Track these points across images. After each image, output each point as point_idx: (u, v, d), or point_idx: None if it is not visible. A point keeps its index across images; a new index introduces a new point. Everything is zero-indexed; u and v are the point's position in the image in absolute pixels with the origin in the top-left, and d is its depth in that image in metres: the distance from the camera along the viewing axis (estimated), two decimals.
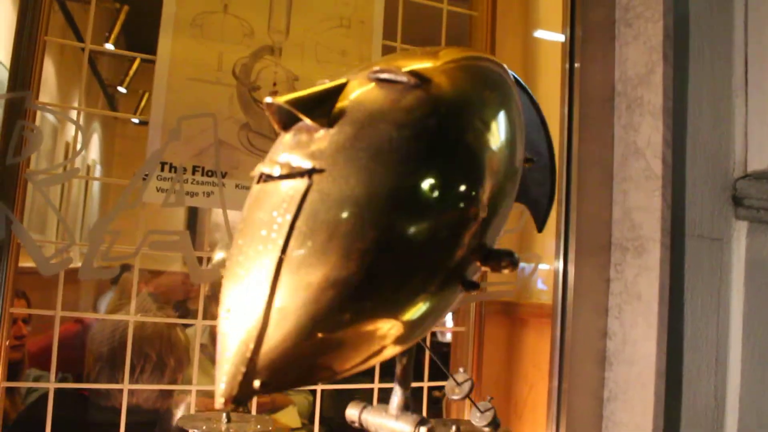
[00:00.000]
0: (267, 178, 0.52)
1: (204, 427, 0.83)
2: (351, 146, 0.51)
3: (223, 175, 1.28)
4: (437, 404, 1.58)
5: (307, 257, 0.48)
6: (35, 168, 1.20)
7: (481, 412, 0.77)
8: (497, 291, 1.50)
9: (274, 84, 1.35)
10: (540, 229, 0.79)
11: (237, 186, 1.29)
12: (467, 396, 0.79)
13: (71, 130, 1.25)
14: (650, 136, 1.20)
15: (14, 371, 1.66)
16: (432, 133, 0.53)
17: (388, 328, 0.51)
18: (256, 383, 0.47)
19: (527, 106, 0.73)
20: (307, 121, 0.52)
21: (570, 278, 1.30)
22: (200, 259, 1.20)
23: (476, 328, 1.51)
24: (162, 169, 1.23)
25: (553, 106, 1.36)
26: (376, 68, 0.56)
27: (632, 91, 1.26)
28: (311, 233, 0.48)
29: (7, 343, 1.13)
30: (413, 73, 0.55)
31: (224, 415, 0.88)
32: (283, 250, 0.48)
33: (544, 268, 1.44)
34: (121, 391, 1.21)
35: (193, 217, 2.47)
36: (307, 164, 0.50)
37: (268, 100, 0.52)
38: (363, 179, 0.49)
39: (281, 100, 0.51)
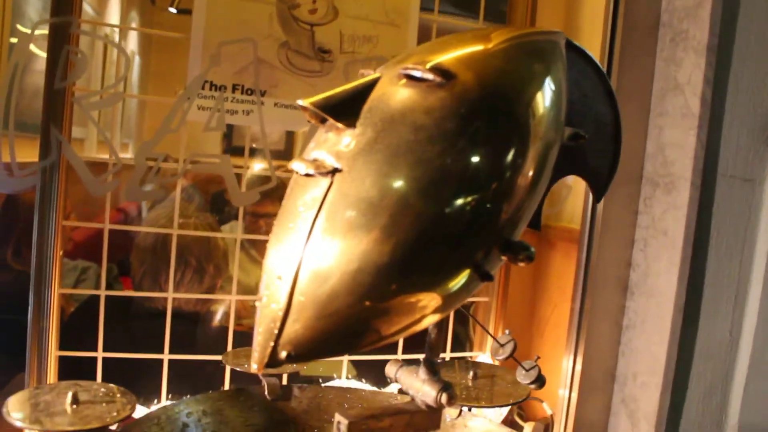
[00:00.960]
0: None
1: (246, 365, 0.90)
2: (370, 148, 0.54)
3: (263, 94, 1.30)
4: None
5: (324, 254, 0.53)
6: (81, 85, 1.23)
7: (526, 370, 0.83)
8: None
9: (314, 1, 1.34)
10: (598, 200, 0.80)
11: (276, 104, 1.31)
12: (511, 356, 0.84)
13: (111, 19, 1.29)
14: (691, 74, 1.19)
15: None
16: (449, 136, 0.55)
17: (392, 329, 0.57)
18: (282, 354, 0.55)
19: (592, 77, 0.73)
20: (336, 123, 0.55)
21: (599, 206, 1.32)
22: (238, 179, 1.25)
23: None
24: (203, 88, 1.25)
25: (596, 32, 1.34)
26: (409, 64, 0.57)
27: (678, 23, 1.23)
28: (330, 230, 0.53)
29: (61, 253, 1.21)
30: (440, 71, 0.56)
31: None
32: (305, 244, 0.53)
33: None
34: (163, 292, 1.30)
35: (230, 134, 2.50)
36: (332, 163, 0.54)
37: (300, 102, 0.54)
38: (377, 181, 0.53)
39: (310, 101, 0.54)
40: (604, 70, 1.30)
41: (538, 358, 0.86)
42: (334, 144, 0.55)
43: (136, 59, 3.07)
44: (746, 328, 1.25)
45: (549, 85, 0.62)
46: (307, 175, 0.55)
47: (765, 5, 1.21)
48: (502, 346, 0.83)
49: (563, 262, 1.52)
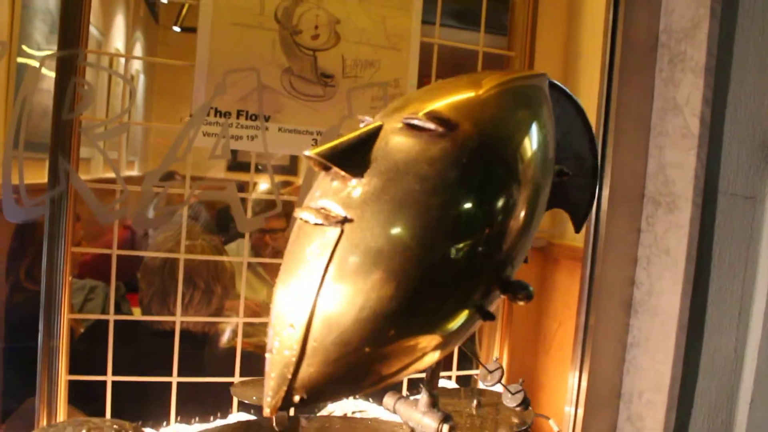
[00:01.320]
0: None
1: (254, 398, 0.91)
2: (377, 198, 0.56)
3: (267, 119, 1.31)
4: None
5: (336, 301, 0.55)
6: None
7: (512, 393, 0.84)
8: None
9: (316, 27, 1.36)
10: (578, 230, 0.82)
11: (280, 129, 1.33)
12: (498, 382, 0.85)
13: (116, 40, 1.31)
14: (690, 94, 1.20)
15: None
16: (452, 186, 0.57)
17: (413, 356, 0.58)
18: (296, 398, 0.56)
19: (572, 114, 0.75)
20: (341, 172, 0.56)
21: (602, 225, 1.33)
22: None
23: None
24: (208, 114, 1.27)
25: (596, 50, 1.35)
26: (409, 113, 0.59)
27: (676, 44, 1.24)
28: (341, 278, 0.55)
29: (70, 279, 1.23)
30: (441, 120, 0.58)
31: None
32: (319, 291, 0.55)
33: None
34: (172, 315, 1.31)
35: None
36: (340, 212, 0.55)
37: (306, 153, 0.56)
38: (385, 231, 0.55)
39: (316, 152, 0.55)
40: (604, 88, 1.33)
41: (523, 381, 0.88)
42: (341, 193, 0.57)
43: (141, 78, 3.10)
44: (750, 344, 1.26)
45: (539, 131, 0.65)
46: (316, 224, 0.57)
47: (761, 26, 1.22)
48: (490, 372, 0.85)
49: (567, 279, 1.53)
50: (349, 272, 0.55)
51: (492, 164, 0.60)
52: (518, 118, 0.64)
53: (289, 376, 0.55)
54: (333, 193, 0.57)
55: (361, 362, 0.56)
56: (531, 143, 0.63)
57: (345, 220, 0.55)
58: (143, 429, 0.91)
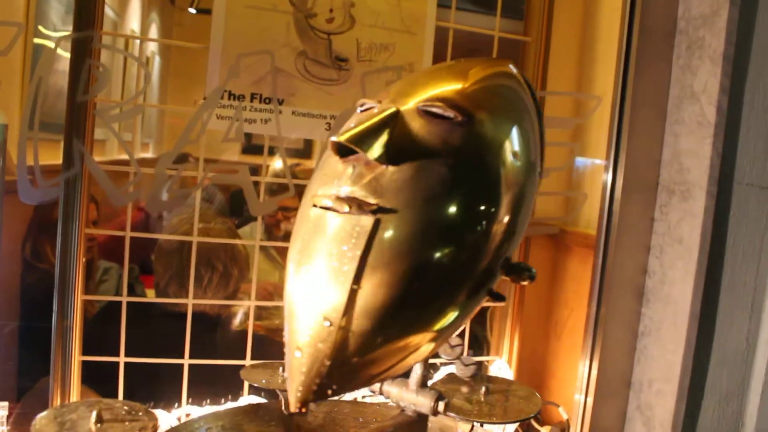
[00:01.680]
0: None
1: (263, 381, 0.92)
2: (410, 187, 0.56)
3: (280, 102, 1.31)
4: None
5: (376, 286, 0.55)
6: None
7: (465, 365, 0.85)
8: (542, 227, 1.54)
9: (331, 10, 1.35)
10: None
11: (294, 113, 1.33)
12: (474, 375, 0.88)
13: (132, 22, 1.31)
14: (707, 82, 1.19)
15: (87, 263, 1.80)
16: (476, 171, 0.60)
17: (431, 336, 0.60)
18: (329, 391, 0.57)
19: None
20: (368, 158, 0.56)
21: (615, 213, 1.32)
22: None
23: (522, 252, 1.56)
24: (222, 97, 1.27)
25: (613, 38, 1.34)
26: (425, 102, 0.59)
27: (694, 31, 1.23)
28: (379, 267, 0.55)
29: (84, 259, 1.24)
30: (461, 110, 0.59)
31: (281, 367, 0.97)
32: (356, 281, 0.55)
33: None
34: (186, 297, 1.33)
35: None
36: (372, 201, 0.55)
37: (334, 138, 0.55)
38: (421, 218, 0.56)
39: (345, 138, 0.55)
40: (621, 75, 1.31)
41: (473, 353, 0.90)
42: (365, 179, 0.56)
43: (156, 60, 3.10)
44: (762, 335, 1.25)
45: (531, 119, 0.69)
46: (345, 213, 0.56)
47: None
48: (465, 366, 0.85)
49: (580, 267, 1.52)
50: (388, 261, 0.55)
51: (505, 153, 0.62)
52: (518, 107, 0.67)
53: (324, 370, 0.55)
54: (356, 181, 0.56)
55: (395, 350, 0.57)
56: (530, 131, 0.67)
57: (380, 209, 0.55)
58: (153, 410, 0.92)
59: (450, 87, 0.63)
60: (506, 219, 0.61)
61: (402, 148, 0.57)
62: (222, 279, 1.54)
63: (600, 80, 1.53)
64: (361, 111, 0.66)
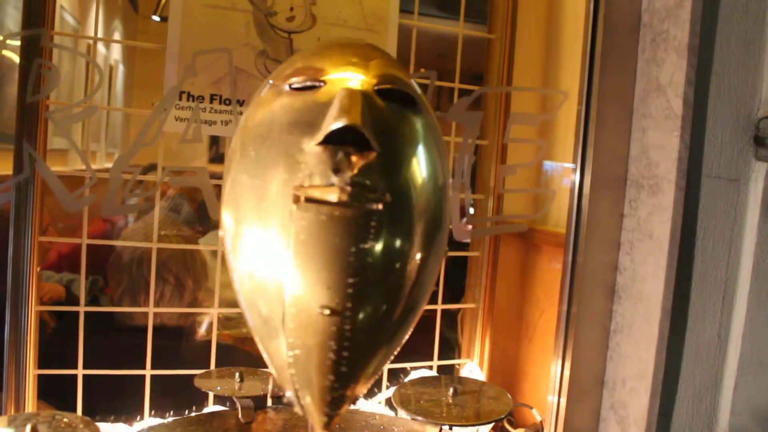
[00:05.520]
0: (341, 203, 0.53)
1: (218, 388, 0.88)
2: (405, 170, 0.56)
3: (240, 104, 1.28)
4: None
5: (381, 273, 0.54)
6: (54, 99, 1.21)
7: None
8: (511, 225, 1.53)
9: (291, 9, 1.32)
10: None
11: None
12: None
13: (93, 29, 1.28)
14: (673, 74, 1.18)
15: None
16: (437, 149, 0.61)
17: None
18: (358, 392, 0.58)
19: None
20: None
21: (584, 210, 1.30)
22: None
23: (491, 253, 1.54)
24: (180, 98, 1.23)
25: (578, 34, 1.33)
26: (380, 80, 0.56)
27: (658, 24, 1.22)
28: (384, 258, 0.54)
29: (38, 269, 1.19)
30: (416, 91, 0.60)
31: (237, 374, 0.93)
32: (364, 271, 0.53)
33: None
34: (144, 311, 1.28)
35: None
36: (375, 191, 0.52)
37: (340, 125, 0.51)
38: (420, 202, 0.57)
39: (360, 126, 0.51)
40: (586, 70, 1.30)
41: None
42: (366, 167, 0.52)
43: (120, 68, 3.04)
44: (734, 329, 1.24)
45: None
46: (359, 204, 0.52)
47: (745, 3, 1.20)
48: None
49: (550, 266, 1.50)
50: (393, 248, 0.54)
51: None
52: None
53: (345, 369, 0.54)
54: (353, 167, 0.52)
55: (397, 337, 0.59)
56: None
57: (381, 197, 0.52)
58: (113, 424, 0.87)
59: (391, 69, 0.60)
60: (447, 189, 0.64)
61: (381, 130, 0.53)
62: (175, 291, 1.50)
63: (566, 76, 1.52)
64: (295, 89, 0.59)
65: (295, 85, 0.58)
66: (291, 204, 0.52)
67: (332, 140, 0.51)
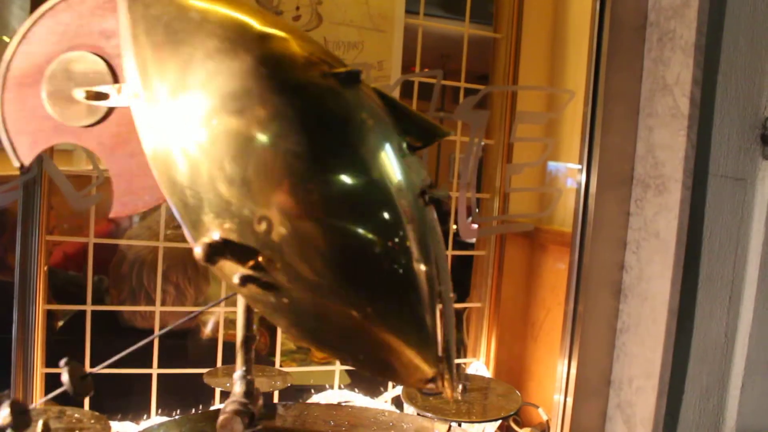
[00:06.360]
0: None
1: (227, 384, 0.88)
2: None
3: None
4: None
5: None
6: None
7: None
8: (517, 224, 1.53)
9: (297, 8, 1.33)
10: None
11: None
12: None
13: None
14: (680, 73, 1.17)
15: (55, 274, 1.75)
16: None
17: None
18: None
19: None
20: None
21: (590, 209, 1.30)
22: None
23: (497, 252, 1.54)
24: None
25: (584, 33, 1.32)
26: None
27: (665, 22, 1.21)
28: None
29: (45, 268, 1.19)
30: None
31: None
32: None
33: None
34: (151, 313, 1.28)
35: None
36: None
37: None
38: None
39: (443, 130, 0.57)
40: (592, 68, 1.30)
41: None
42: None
43: None
44: (741, 329, 1.24)
45: None
46: None
47: (752, 2, 1.20)
48: None
49: (556, 265, 1.50)
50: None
51: None
52: None
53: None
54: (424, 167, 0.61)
55: None
56: None
57: None
58: (120, 422, 0.88)
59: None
60: None
61: None
62: (177, 300, 1.49)
63: (572, 75, 1.52)
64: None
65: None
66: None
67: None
